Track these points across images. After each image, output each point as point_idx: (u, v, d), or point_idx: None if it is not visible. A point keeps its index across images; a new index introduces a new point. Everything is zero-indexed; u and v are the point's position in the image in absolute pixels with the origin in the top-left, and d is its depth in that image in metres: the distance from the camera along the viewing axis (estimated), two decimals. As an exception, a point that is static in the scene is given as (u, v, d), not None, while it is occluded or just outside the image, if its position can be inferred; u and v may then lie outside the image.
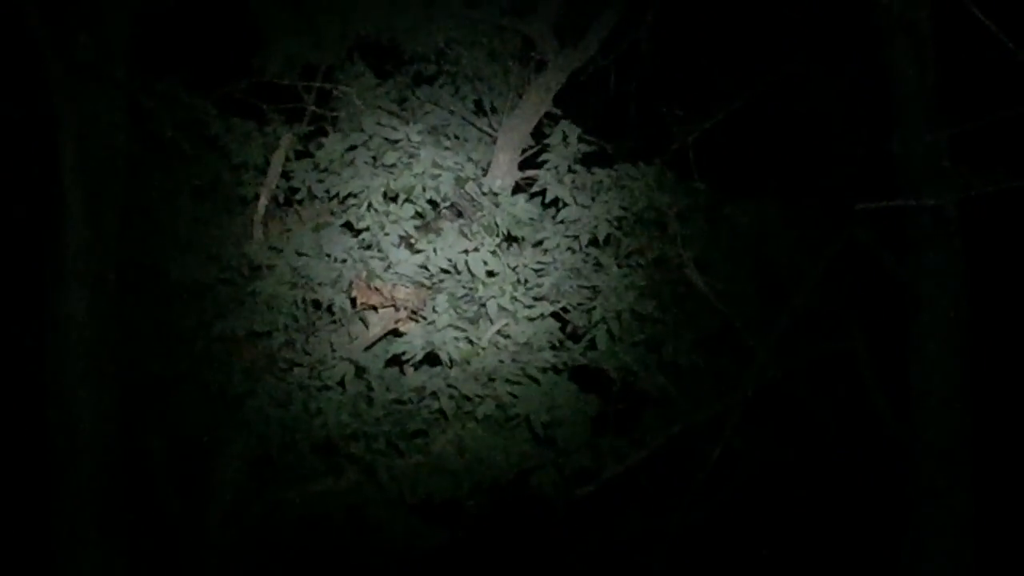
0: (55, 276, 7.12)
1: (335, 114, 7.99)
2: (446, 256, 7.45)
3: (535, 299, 7.58)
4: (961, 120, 5.76)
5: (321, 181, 7.73)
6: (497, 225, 7.44)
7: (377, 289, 7.54)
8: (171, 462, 8.26)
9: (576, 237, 7.65)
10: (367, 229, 7.50)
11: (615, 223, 7.63)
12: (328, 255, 7.61)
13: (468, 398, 7.43)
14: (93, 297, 7.11)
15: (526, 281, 7.59)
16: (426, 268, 7.49)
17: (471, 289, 7.50)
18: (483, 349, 7.44)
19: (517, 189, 7.95)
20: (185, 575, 8.07)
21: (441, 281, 7.58)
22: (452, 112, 8.17)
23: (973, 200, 5.70)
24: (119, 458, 7.22)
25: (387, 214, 7.44)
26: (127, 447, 7.35)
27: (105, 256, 7.21)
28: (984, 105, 5.33)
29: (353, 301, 7.65)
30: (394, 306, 7.65)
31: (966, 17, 4.42)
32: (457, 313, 7.42)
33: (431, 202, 7.50)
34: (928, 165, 7.33)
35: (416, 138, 7.53)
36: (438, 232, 7.62)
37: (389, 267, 7.49)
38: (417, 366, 7.61)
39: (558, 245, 7.68)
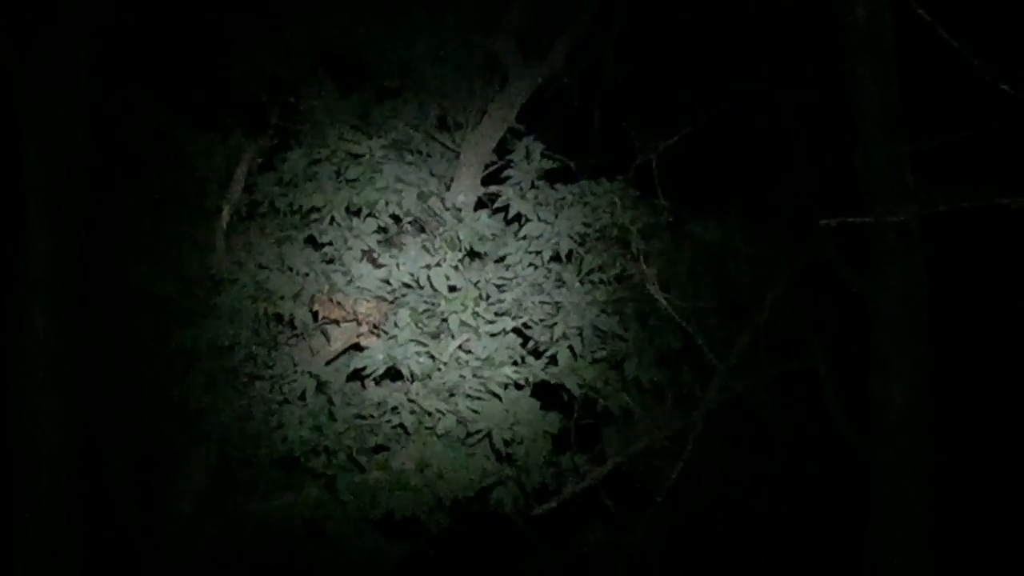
0: (17, 286, 7.08)
1: (299, 128, 7.98)
2: (408, 271, 7.47)
3: (497, 314, 7.59)
4: (924, 136, 5.77)
5: (284, 194, 7.72)
6: (459, 240, 7.46)
7: (339, 303, 7.56)
8: (131, 474, 8.21)
9: (538, 253, 7.65)
10: (330, 243, 7.55)
11: (577, 239, 7.65)
12: (290, 268, 7.62)
13: (429, 413, 7.43)
14: (55, 307, 7.08)
15: (488, 296, 7.61)
16: (388, 282, 7.50)
17: (433, 304, 7.51)
18: (444, 364, 7.44)
19: (480, 204, 7.97)
20: (143, 588, 8.05)
21: (403, 295, 7.59)
22: (415, 127, 8.16)
23: (934, 215, 5.72)
24: (79, 469, 7.18)
25: (350, 228, 7.49)
26: (87, 458, 7.32)
27: (68, 266, 7.18)
28: (947, 121, 5.36)
29: (315, 315, 7.66)
30: (356, 320, 7.65)
31: (929, 33, 4.43)
32: (419, 328, 7.43)
33: (394, 217, 7.53)
34: (890, 181, 7.35)
35: (379, 153, 7.56)
36: (400, 247, 7.64)
37: (351, 281, 7.50)
38: (378, 380, 7.62)
39: (520, 261, 7.70)
